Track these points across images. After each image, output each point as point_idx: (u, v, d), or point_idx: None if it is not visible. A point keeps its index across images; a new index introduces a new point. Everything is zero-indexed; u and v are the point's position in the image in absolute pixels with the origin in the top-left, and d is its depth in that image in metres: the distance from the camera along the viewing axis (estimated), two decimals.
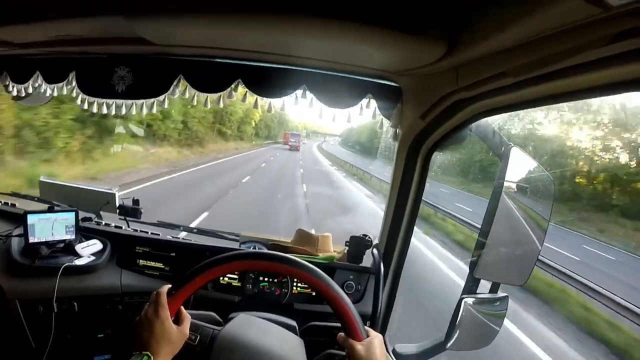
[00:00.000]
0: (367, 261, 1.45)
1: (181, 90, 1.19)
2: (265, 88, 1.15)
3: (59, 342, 1.27)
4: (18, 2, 0.92)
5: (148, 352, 0.69)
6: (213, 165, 15.24)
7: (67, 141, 9.07)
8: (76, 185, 1.76)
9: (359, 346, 0.75)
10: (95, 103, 1.27)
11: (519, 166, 0.99)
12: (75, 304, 1.28)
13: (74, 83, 1.26)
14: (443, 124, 1.03)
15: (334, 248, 1.59)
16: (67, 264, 1.27)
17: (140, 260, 1.42)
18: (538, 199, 1.04)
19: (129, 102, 1.25)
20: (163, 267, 1.42)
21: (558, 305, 5.17)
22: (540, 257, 1.11)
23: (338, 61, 1.03)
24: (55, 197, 1.64)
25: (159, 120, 13.70)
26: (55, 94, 1.36)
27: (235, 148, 25.07)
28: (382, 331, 1.33)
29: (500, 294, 1.07)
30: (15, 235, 1.36)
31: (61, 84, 1.29)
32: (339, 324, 0.79)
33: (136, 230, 1.55)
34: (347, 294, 0.80)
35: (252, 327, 0.87)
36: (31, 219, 1.33)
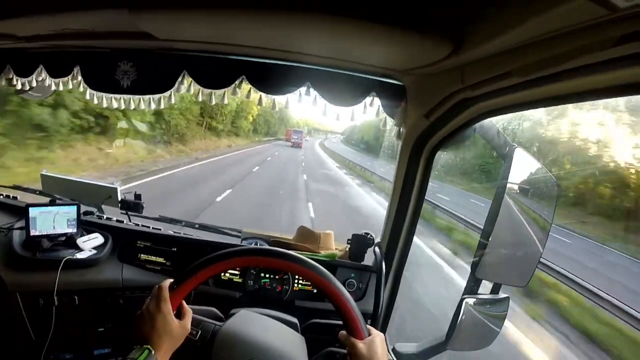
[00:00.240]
0: (368, 259, 1.45)
1: (186, 86, 1.19)
2: (269, 85, 1.15)
3: (59, 336, 1.28)
4: None
5: (149, 346, 0.69)
6: (187, 171, 11.32)
7: None
8: (78, 179, 1.77)
9: (361, 344, 0.75)
10: (104, 98, 1.28)
11: (522, 167, 0.98)
12: (76, 297, 1.28)
13: (79, 77, 1.27)
14: (447, 123, 1.02)
15: (336, 246, 1.58)
16: (68, 258, 1.28)
17: (142, 255, 1.42)
18: (541, 201, 1.04)
19: (136, 97, 1.25)
20: (164, 261, 1.42)
21: None
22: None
23: (342, 58, 1.03)
24: (57, 191, 1.65)
25: (118, 111, 10.09)
26: (61, 88, 1.36)
27: (227, 145, 22.81)
28: (383, 330, 1.33)
29: (502, 294, 1.07)
30: (17, 228, 1.36)
31: (65, 78, 1.30)
32: (340, 322, 0.78)
33: (138, 225, 1.55)
34: (348, 292, 0.80)
35: (253, 323, 0.87)
36: (33, 212, 1.33)
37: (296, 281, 1.39)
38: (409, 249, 1.31)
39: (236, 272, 1.39)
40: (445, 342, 1.05)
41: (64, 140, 8.80)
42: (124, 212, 1.61)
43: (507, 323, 1.11)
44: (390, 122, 1.22)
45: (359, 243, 1.44)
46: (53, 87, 1.36)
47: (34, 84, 1.37)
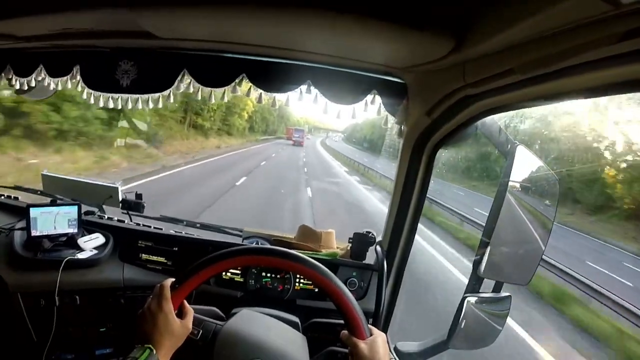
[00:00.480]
0: (370, 258, 1.45)
1: (185, 85, 1.19)
2: (270, 83, 1.15)
3: (60, 336, 1.28)
4: None
5: (150, 345, 0.69)
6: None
7: None
8: (79, 179, 1.77)
9: (363, 345, 0.75)
10: (101, 98, 1.27)
11: (524, 165, 0.98)
12: (77, 297, 1.28)
13: (78, 77, 1.27)
14: (449, 121, 1.02)
15: (337, 244, 1.58)
16: (69, 258, 1.28)
17: (143, 255, 1.42)
18: (543, 199, 1.03)
19: (135, 96, 1.25)
20: (165, 261, 1.42)
21: None
22: None
23: (343, 56, 1.03)
24: (58, 191, 1.64)
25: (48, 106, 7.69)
26: (60, 87, 1.36)
27: (216, 146, 19.66)
28: (384, 329, 1.33)
29: (503, 293, 1.07)
30: (18, 229, 1.36)
31: (65, 78, 1.29)
32: (341, 321, 0.78)
33: (139, 225, 1.55)
34: (350, 291, 0.79)
35: (254, 323, 0.87)
36: (34, 212, 1.33)
37: (297, 280, 1.38)
38: (410, 247, 1.31)
39: (237, 272, 1.39)
40: (447, 341, 1.05)
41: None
42: (125, 211, 1.61)
43: None
44: (391, 120, 1.22)
45: (361, 242, 1.44)
46: (52, 87, 1.36)
47: (33, 83, 1.36)
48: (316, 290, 1.37)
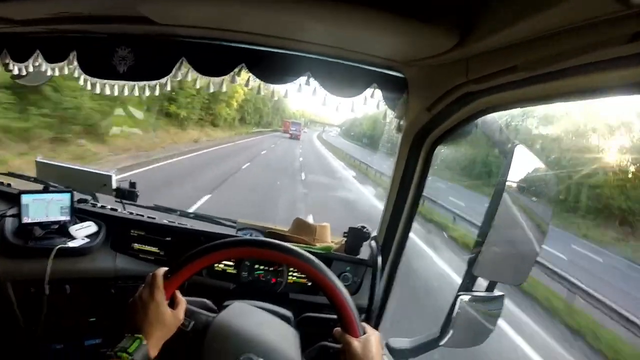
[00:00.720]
0: (364, 253, 1.45)
1: (183, 73, 1.17)
2: (269, 73, 1.13)
3: (50, 325, 1.26)
4: None
5: (141, 335, 0.68)
6: None
7: None
8: (73, 167, 1.74)
9: (356, 342, 0.74)
10: (97, 84, 1.25)
11: (523, 165, 0.97)
12: (67, 286, 1.27)
13: (75, 63, 1.24)
14: (449, 117, 1.01)
15: (332, 239, 1.57)
16: (60, 246, 1.26)
17: (135, 244, 1.41)
18: (540, 199, 1.03)
19: (131, 84, 1.23)
20: (158, 251, 1.40)
21: None
22: None
23: (344, 48, 1.01)
24: (52, 178, 1.62)
25: None
26: (57, 73, 1.33)
27: (194, 140, 15.69)
28: (377, 324, 1.32)
29: (497, 292, 1.07)
30: (9, 216, 1.33)
31: (62, 64, 1.27)
32: (334, 316, 0.78)
33: (132, 214, 1.53)
34: (343, 285, 0.79)
35: (246, 316, 0.86)
36: (25, 199, 1.31)
37: (290, 273, 1.38)
38: (405, 243, 1.30)
39: (230, 263, 1.38)
40: (439, 338, 1.04)
41: None
42: (118, 200, 1.60)
43: None
44: (390, 114, 1.21)
45: (355, 236, 1.44)
46: (49, 73, 1.34)
47: (31, 69, 1.34)
48: (309, 284, 1.37)
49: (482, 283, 1.05)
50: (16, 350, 1.30)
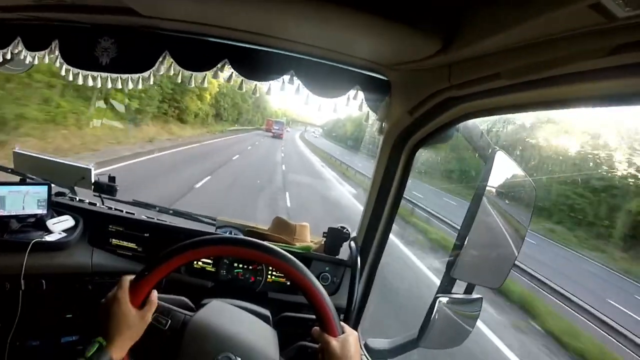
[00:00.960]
0: (344, 254, 1.45)
1: (166, 67, 1.15)
2: (252, 70, 1.12)
3: (25, 322, 1.23)
4: None
5: (100, 338, 0.67)
6: None
7: None
8: (51, 159, 1.69)
9: (335, 342, 0.74)
10: (80, 75, 1.22)
11: (503, 170, 0.99)
12: (43, 281, 1.24)
13: (56, 52, 1.21)
14: (431, 121, 1.02)
15: (311, 238, 1.57)
16: (36, 240, 1.22)
17: (113, 240, 1.38)
18: (518, 205, 1.05)
19: (114, 76, 1.20)
20: (136, 247, 1.38)
21: None
22: None
23: (329, 48, 1.01)
24: (30, 170, 1.57)
25: None
26: (36, 62, 1.30)
27: (148, 140, 12.34)
28: (355, 325, 1.33)
29: (475, 295, 1.08)
30: None
31: (43, 52, 1.23)
32: (312, 316, 0.78)
33: (110, 208, 1.50)
34: (322, 285, 0.79)
35: (225, 314, 0.85)
36: (1, 190, 1.27)
37: (270, 273, 1.37)
38: (385, 245, 1.31)
39: (209, 261, 1.37)
40: (417, 339, 1.06)
41: None
42: (97, 194, 1.56)
43: None
44: (372, 116, 1.21)
45: (335, 237, 1.44)
46: (28, 60, 1.30)
47: (9, 56, 1.30)
48: (288, 283, 1.36)
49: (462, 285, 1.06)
50: None
